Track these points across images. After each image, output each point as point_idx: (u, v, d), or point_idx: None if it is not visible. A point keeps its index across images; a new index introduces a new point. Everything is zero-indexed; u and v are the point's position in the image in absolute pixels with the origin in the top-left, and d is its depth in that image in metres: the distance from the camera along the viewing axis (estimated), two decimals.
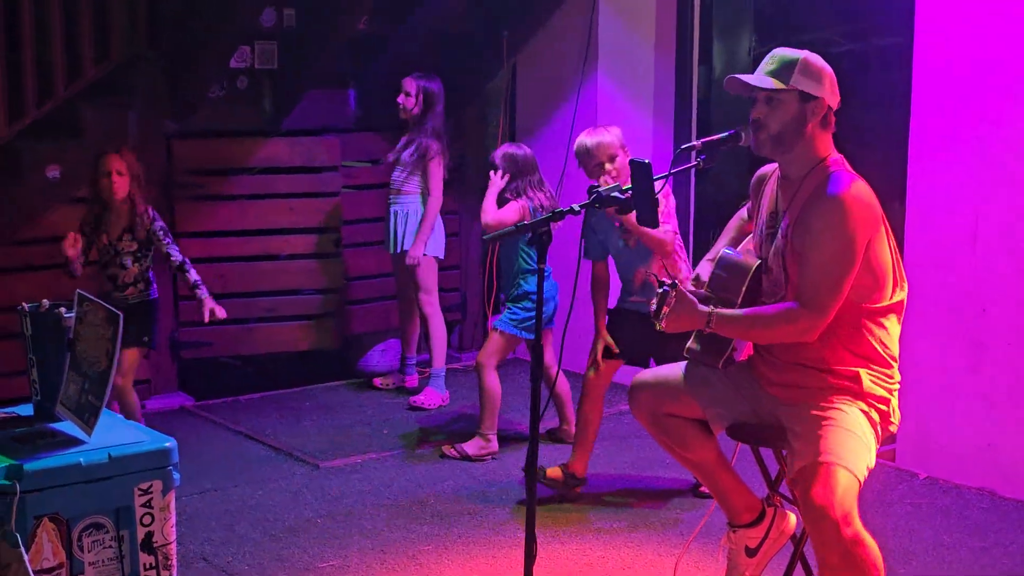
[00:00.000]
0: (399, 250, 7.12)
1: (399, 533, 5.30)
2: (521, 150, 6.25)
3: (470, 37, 7.93)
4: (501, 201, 6.09)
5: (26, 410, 4.19)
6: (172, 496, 3.97)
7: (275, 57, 7.30)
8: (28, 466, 3.69)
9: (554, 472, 5.65)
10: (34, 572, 3.69)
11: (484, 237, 5.44)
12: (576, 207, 4.03)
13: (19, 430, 4.01)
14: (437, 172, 7.03)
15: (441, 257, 7.25)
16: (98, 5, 6.68)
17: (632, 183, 4.02)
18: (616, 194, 4.06)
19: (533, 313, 4.98)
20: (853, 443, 3.81)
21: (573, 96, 7.62)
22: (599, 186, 4.20)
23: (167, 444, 3.95)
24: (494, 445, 6.21)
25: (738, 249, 4.34)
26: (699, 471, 4.44)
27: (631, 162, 4.05)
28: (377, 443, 6.54)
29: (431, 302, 7.16)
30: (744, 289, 4.09)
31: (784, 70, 3.93)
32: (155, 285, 6.04)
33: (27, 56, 6.48)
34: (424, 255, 7.01)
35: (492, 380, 6.15)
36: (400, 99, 6.91)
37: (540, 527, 4.11)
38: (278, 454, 6.40)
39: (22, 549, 3.62)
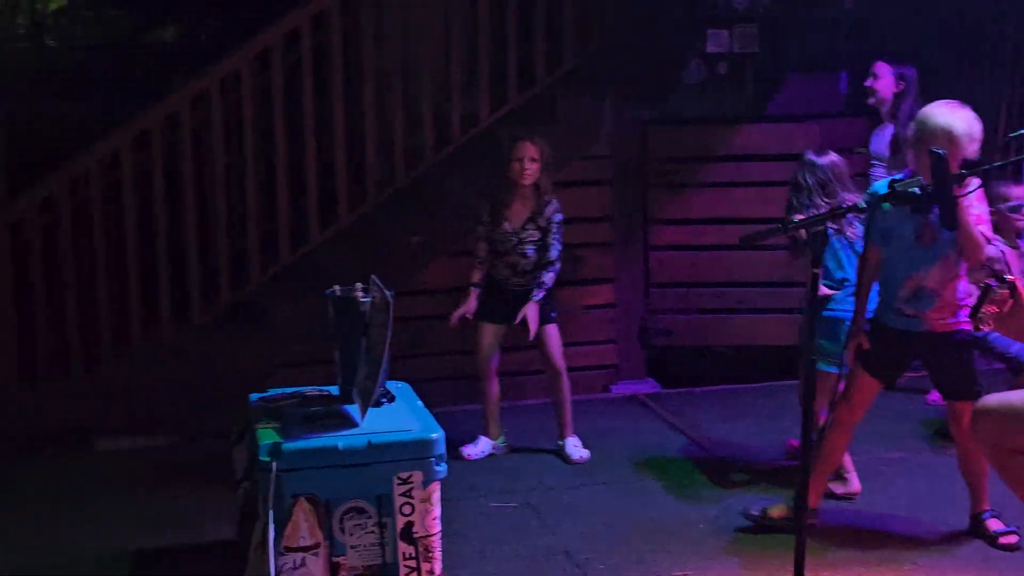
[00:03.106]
0: None
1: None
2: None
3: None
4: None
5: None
6: (435, 488, 3.88)
7: (755, 40, 6.89)
8: (287, 445, 3.77)
9: (777, 511, 4.87)
10: (289, 549, 3.77)
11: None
12: (862, 202, 3.40)
13: (314, 409, 4.11)
14: None
15: None
16: None
17: (932, 177, 3.30)
18: (914, 189, 3.35)
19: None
20: None
21: None
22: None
23: (431, 436, 3.86)
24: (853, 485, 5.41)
25: None
26: None
27: (930, 152, 3.32)
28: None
29: None
30: None
31: None
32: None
33: (511, 50, 6.71)
34: None
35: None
36: (868, 82, 6.23)
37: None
38: (692, 449, 6.12)
39: (270, 526, 3.72)
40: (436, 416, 4.17)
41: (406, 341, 6.79)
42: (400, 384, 4.44)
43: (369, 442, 3.82)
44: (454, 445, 6.08)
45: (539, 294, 5.72)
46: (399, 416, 4.07)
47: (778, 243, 6.71)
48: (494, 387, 6.04)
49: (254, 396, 4.27)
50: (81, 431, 6.32)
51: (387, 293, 4.00)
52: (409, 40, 6.66)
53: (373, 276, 4.09)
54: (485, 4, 6.68)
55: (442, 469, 3.87)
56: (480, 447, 6.04)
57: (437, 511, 3.92)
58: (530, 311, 5.67)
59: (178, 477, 5.79)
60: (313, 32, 6.46)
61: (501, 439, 6.08)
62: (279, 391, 4.32)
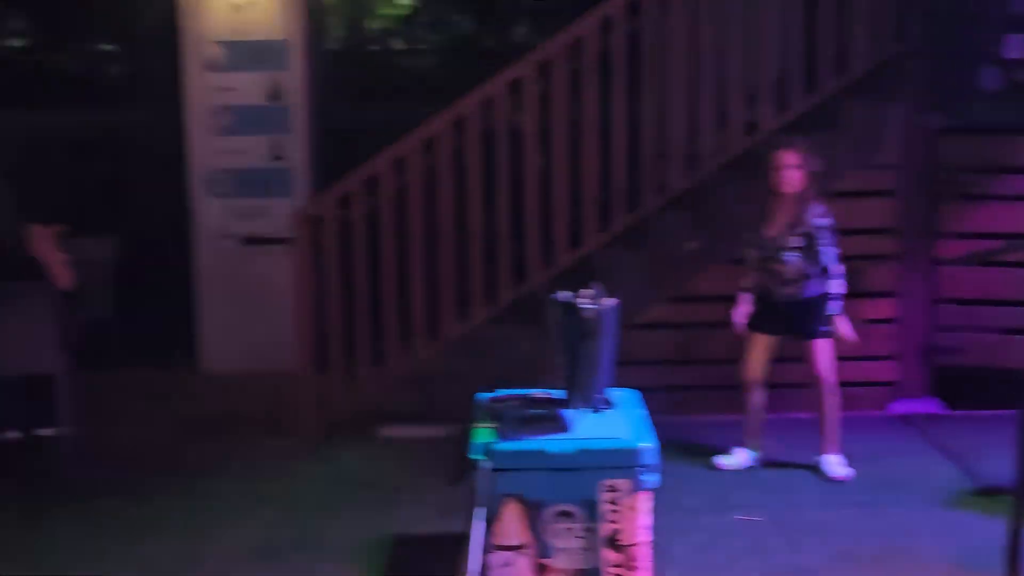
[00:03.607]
0: None
1: None
2: None
3: None
4: None
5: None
6: (643, 497, 3.88)
7: None
8: (500, 446, 3.88)
9: None
10: (498, 547, 3.89)
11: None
12: None
13: (533, 411, 4.19)
14: None
15: None
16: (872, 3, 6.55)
17: None
18: None
19: None
20: None
21: None
22: None
23: (639, 445, 3.86)
24: None
25: None
26: None
27: None
28: None
29: None
30: None
31: None
32: (815, 283, 5.67)
33: (796, 56, 6.58)
34: None
35: None
36: None
37: None
38: (961, 476, 5.78)
39: (481, 522, 3.83)
40: (698, 425, 4.18)
41: (678, 347, 6.85)
42: (627, 391, 4.46)
43: (577, 447, 3.88)
44: (711, 454, 6.08)
45: (833, 306, 5.68)
46: (614, 423, 4.09)
47: None
48: (759, 399, 5.94)
49: (483, 395, 4.40)
50: (370, 418, 6.74)
51: (611, 300, 4.06)
52: (691, 46, 6.65)
53: (595, 283, 4.14)
54: (770, 12, 6.60)
55: (651, 479, 3.87)
56: (736, 459, 5.96)
57: (645, 520, 3.92)
58: (840, 324, 5.71)
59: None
60: (602, 36, 6.59)
61: (758, 452, 5.99)
62: (507, 391, 4.43)
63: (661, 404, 6.55)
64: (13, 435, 6.66)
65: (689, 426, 6.52)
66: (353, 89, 10.75)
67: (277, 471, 6.22)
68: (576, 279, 6.57)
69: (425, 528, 5.32)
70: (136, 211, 8.84)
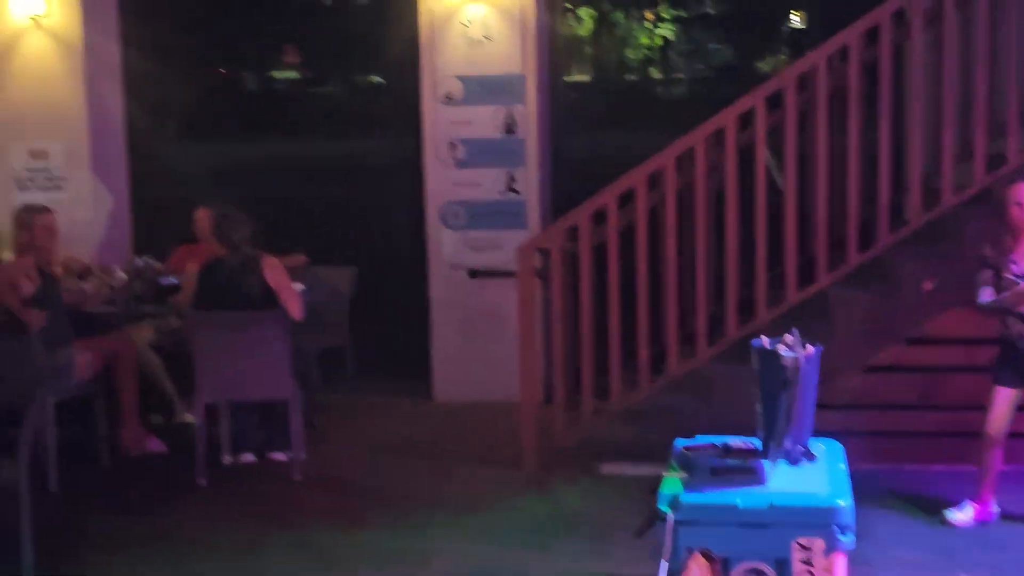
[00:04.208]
0: None
1: None
2: None
3: None
4: None
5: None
6: (839, 558, 3.66)
7: None
8: (686, 497, 3.75)
9: None
10: None
11: None
12: None
13: (727, 462, 4.02)
14: None
15: None
16: None
17: None
18: None
19: None
20: None
21: None
22: None
23: (836, 503, 3.64)
24: None
25: None
26: None
27: None
28: None
29: None
30: None
31: None
32: None
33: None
34: None
35: None
36: None
37: None
38: None
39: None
40: (931, 475, 3.91)
41: (913, 392, 6.49)
42: (830, 442, 4.23)
43: (769, 502, 3.70)
44: (942, 507, 5.73)
45: None
46: (812, 478, 3.88)
47: None
48: (999, 453, 5.53)
49: (681, 441, 4.27)
50: (589, 453, 6.68)
51: (813, 347, 3.87)
52: (932, 75, 6.33)
53: (794, 329, 3.95)
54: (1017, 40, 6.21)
55: (846, 540, 3.65)
56: (968, 513, 5.58)
57: None
58: None
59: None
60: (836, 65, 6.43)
61: (994, 507, 5.59)
62: (707, 439, 4.28)
63: (894, 451, 6.33)
64: (248, 458, 6.96)
65: (922, 476, 6.20)
66: (605, 119, 10.80)
67: (494, 503, 6.24)
68: (804, 318, 6.44)
69: (637, 571, 5.18)
70: (374, 241, 9.10)
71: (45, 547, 5.40)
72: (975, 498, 5.59)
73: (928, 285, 6.35)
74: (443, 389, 8.13)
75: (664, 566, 3.72)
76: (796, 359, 3.94)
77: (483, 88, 7.94)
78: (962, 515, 5.59)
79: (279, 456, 6.93)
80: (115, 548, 5.72)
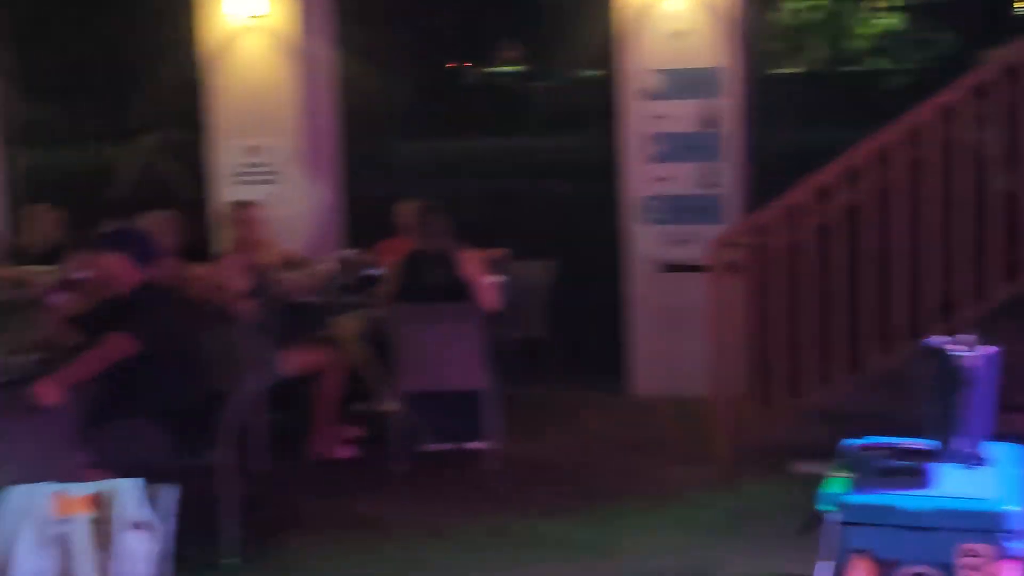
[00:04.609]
0: None
1: None
2: None
3: None
4: None
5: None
6: (1008, 566, 3.53)
7: None
8: (848, 498, 3.72)
9: None
10: None
11: None
12: None
13: (896, 463, 3.93)
14: None
15: None
16: None
17: None
18: None
19: None
20: None
21: None
22: None
23: (1004, 508, 3.54)
24: None
25: None
26: None
27: None
28: None
29: None
30: None
31: None
32: None
33: None
34: None
35: None
36: None
37: None
38: None
39: None
40: None
41: None
42: (1010, 446, 4.10)
43: (934, 506, 3.62)
44: None
45: None
46: (982, 482, 3.78)
47: None
48: None
49: (850, 440, 4.20)
50: (780, 450, 6.58)
51: (987, 347, 3.77)
52: None
53: (974, 332, 3.86)
54: None
55: (1016, 547, 3.55)
56: None
57: None
58: None
59: None
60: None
61: None
62: (880, 439, 4.20)
63: None
64: (445, 447, 7.15)
65: None
66: (818, 112, 10.57)
67: (683, 498, 6.27)
68: (1009, 319, 6.23)
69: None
70: (571, 235, 9.19)
71: (249, 528, 5.67)
72: None
73: None
74: (639, 383, 8.19)
75: (825, 567, 3.71)
76: (972, 359, 3.85)
77: (681, 82, 7.95)
78: None
79: (475, 445, 7.06)
80: (315, 531, 5.99)
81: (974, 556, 3.57)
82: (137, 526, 3.60)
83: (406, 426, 6.95)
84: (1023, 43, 6.21)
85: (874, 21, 14.88)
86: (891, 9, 14.58)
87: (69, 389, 5.24)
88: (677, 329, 7.93)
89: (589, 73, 9.69)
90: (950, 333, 6.12)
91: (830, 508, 3.72)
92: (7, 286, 7.50)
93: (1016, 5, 12.03)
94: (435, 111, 11.61)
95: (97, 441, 5.26)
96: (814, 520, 3.91)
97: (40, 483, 3.69)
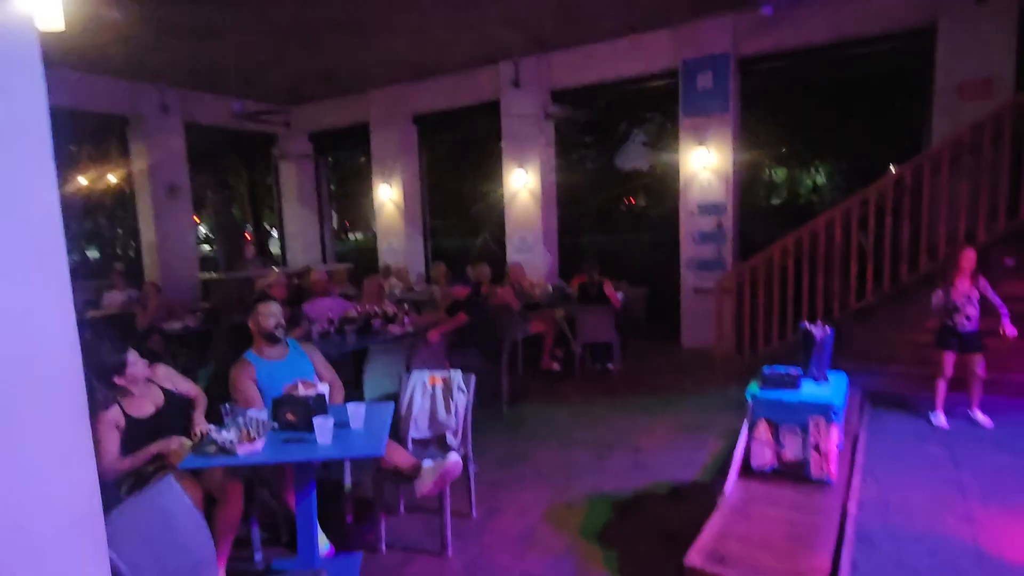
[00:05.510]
0: None
1: None
2: None
3: None
4: None
5: None
6: (833, 427, 3.45)
7: None
8: (760, 393, 3.62)
9: None
10: (754, 441, 3.63)
11: None
12: None
13: (783, 377, 3.74)
14: None
15: None
16: None
17: None
18: None
19: None
20: None
21: None
22: None
23: (833, 401, 3.47)
24: None
25: None
26: None
27: None
28: None
29: None
30: None
31: None
32: None
33: None
34: None
35: None
36: None
37: None
38: None
39: (746, 430, 3.65)
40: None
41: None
42: (839, 373, 3.88)
43: (799, 399, 3.56)
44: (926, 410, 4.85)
45: None
46: (823, 389, 3.64)
47: None
48: None
49: (768, 367, 3.92)
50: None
51: (827, 328, 3.63)
52: None
53: (819, 321, 3.72)
54: None
55: (837, 419, 3.45)
56: (939, 418, 4.68)
57: (835, 438, 3.47)
58: None
59: None
60: None
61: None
62: (780, 368, 3.86)
63: (896, 378, 5.34)
64: (597, 367, 6.89)
65: (904, 391, 5.19)
66: (778, 222, 9.85)
67: (701, 393, 5.88)
68: (856, 317, 5.69)
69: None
70: (655, 272, 8.78)
71: (511, 395, 5.59)
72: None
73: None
74: (685, 341, 7.59)
75: (746, 424, 3.67)
76: (819, 333, 3.76)
77: (707, 207, 7.35)
78: (935, 419, 4.81)
79: (610, 366, 6.84)
80: (539, 398, 5.76)
81: (817, 424, 3.53)
82: (461, 390, 3.61)
83: (581, 357, 6.78)
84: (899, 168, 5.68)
85: (808, 181, 14.00)
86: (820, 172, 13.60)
87: (441, 335, 5.14)
88: (703, 318, 7.45)
89: (670, 205, 8.98)
90: (820, 322, 5.83)
91: (750, 397, 3.68)
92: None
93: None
94: (602, 221, 11.47)
95: (451, 357, 5.19)
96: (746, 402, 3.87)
97: (425, 370, 3.70)
